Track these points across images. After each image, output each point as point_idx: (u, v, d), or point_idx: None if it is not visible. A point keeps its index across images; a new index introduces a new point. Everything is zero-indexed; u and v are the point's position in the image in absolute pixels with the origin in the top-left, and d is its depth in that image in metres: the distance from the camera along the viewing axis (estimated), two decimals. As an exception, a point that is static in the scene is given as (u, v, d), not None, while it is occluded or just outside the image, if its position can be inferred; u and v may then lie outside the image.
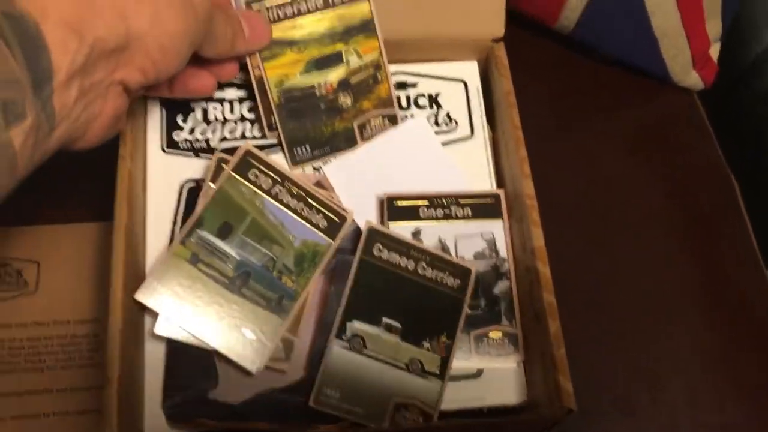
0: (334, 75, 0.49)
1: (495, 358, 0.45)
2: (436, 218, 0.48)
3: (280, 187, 0.46)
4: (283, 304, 0.44)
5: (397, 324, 0.44)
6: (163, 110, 0.50)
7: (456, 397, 0.44)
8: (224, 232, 0.45)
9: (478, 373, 0.45)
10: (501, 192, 0.49)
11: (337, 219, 0.47)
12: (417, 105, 0.52)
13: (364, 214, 0.48)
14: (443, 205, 0.49)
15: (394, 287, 0.45)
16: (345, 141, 0.50)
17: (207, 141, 0.50)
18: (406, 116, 0.52)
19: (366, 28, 0.50)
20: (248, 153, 0.46)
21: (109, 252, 0.43)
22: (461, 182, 0.50)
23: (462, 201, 0.49)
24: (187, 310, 0.43)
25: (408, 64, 0.53)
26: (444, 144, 0.51)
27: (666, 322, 0.59)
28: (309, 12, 0.49)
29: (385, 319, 0.44)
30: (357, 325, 0.44)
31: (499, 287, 0.47)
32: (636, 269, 0.61)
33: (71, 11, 0.34)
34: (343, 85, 0.50)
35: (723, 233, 0.64)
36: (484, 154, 0.51)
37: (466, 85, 0.53)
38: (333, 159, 0.50)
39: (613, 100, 0.68)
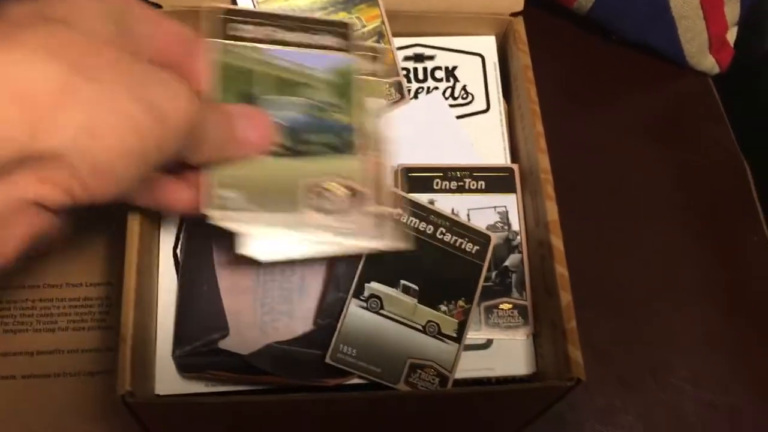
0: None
1: (504, 330, 0.46)
2: (450, 190, 0.48)
3: (272, 28, 0.40)
4: (346, 141, 0.40)
5: (414, 286, 0.44)
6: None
7: (465, 366, 0.44)
8: (249, 104, 0.39)
9: (488, 344, 0.45)
10: (515, 166, 0.49)
11: (341, 29, 0.42)
12: (434, 77, 0.52)
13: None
14: (457, 178, 0.49)
15: (413, 251, 0.45)
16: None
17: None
18: (422, 88, 0.52)
19: (367, -5, 0.50)
20: (211, 11, 0.40)
21: (121, 215, 0.43)
22: (476, 156, 0.50)
23: (476, 174, 0.49)
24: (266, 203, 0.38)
25: (426, 37, 0.53)
26: (459, 117, 0.51)
27: (674, 305, 0.59)
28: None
29: (403, 282, 0.44)
30: (375, 286, 0.44)
31: (511, 260, 0.47)
32: (646, 251, 0.61)
33: None
34: None
35: (734, 218, 0.64)
36: (499, 128, 0.51)
37: (483, 59, 0.53)
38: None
39: (628, 82, 0.68)
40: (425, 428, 0.47)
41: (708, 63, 0.66)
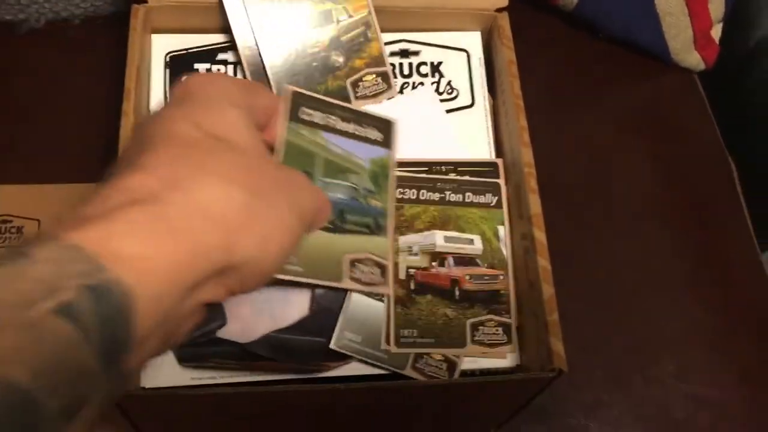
0: (324, 33, 0.50)
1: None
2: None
3: (332, 116, 0.46)
4: (380, 224, 0.45)
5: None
6: (168, 70, 0.50)
7: (449, 358, 0.45)
8: None
9: (472, 336, 0.46)
10: (499, 161, 0.50)
11: (385, 126, 0.48)
12: (419, 73, 0.53)
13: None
14: (442, 172, 0.49)
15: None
16: (339, 100, 0.50)
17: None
18: (407, 83, 0.52)
19: (355, -15, 0.51)
20: (295, 95, 0.44)
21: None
22: (461, 152, 0.51)
23: (460, 168, 0.49)
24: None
25: (411, 32, 0.53)
26: (445, 112, 0.52)
27: (659, 300, 0.60)
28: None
29: None
30: None
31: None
32: (631, 246, 0.61)
33: (172, 258, 0.28)
34: (334, 43, 0.50)
35: (718, 214, 0.65)
36: (484, 123, 0.52)
37: (468, 54, 0.53)
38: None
39: (614, 78, 0.69)
40: (408, 419, 0.48)
41: (693, 59, 0.67)
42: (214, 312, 0.44)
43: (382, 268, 0.45)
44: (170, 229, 0.29)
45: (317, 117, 0.45)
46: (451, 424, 0.50)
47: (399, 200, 0.47)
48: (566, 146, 0.63)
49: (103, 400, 0.27)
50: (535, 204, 0.45)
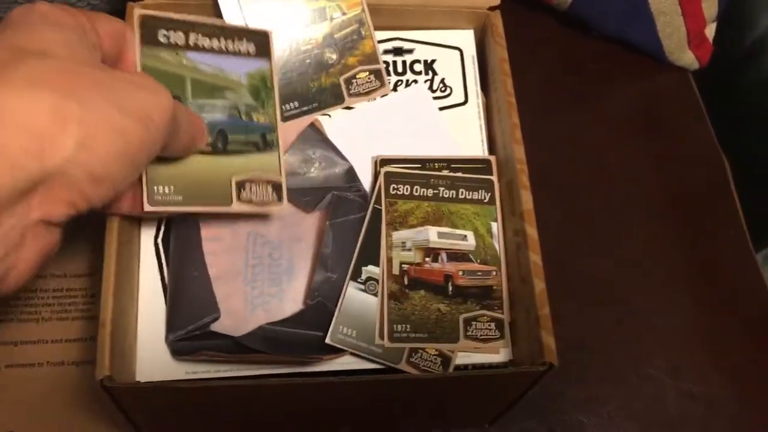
0: (318, 30, 0.50)
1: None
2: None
3: (195, 35, 0.43)
4: (267, 140, 0.45)
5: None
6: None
7: (441, 353, 0.45)
8: None
9: (463, 331, 0.46)
10: (492, 158, 0.50)
11: (261, 37, 0.46)
12: (413, 71, 0.53)
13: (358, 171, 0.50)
14: (435, 169, 0.49)
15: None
16: (332, 97, 0.51)
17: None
18: (401, 81, 0.53)
19: (349, -17, 0.51)
20: (145, 17, 0.42)
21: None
22: (455, 149, 0.51)
23: (454, 165, 0.50)
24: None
25: (405, 31, 0.54)
26: (438, 110, 0.52)
27: (653, 297, 0.60)
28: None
29: None
30: (371, 269, 0.46)
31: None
32: (625, 245, 0.62)
33: None
34: (328, 40, 0.51)
35: (712, 213, 0.65)
36: (477, 121, 0.52)
37: (461, 52, 0.54)
38: (329, 117, 0.51)
39: (607, 77, 0.69)
40: (400, 413, 0.48)
41: (687, 58, 0.67)
42: (208, 306, 0.45)
43: (275, 185, 0.43)
44: None
45: (177, 38, 0.42)
46: (444, 419, 0.51)
47: (392, 196, 0.48)
48: (560, 145, 0.64)
49: None
50: (527, 200, 0.46)
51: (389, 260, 0.46)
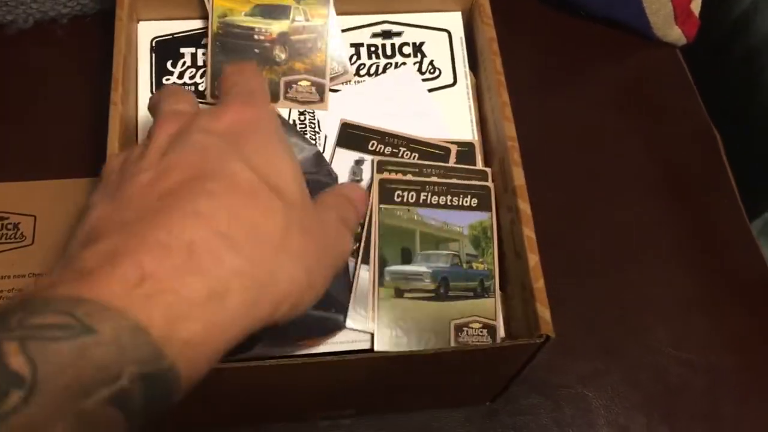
0: (276, 26, 0.51)
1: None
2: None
3: (424, 193, 0.48)
4: (485, 286, 0.47)
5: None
6: (153, 55, 0.51)
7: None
8: (407, 257, 0.47)
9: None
10: (476, 141, 0.51)
11: (483, 192, 0.49)
12: (401, 53, 0.53)
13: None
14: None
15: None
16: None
17: (195, 85, 0.51)
18: (390, 64, 0.53)
19: (320, -5, 0.51)
20: (385, 182, 0.48)
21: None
22: (444, 130, 0.52)
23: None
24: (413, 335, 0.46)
25: (393, 14, 0.54)
26: (427, 91, 0.52)
27: (650, 270, 0.60)
28: (271, -35, 0.50)
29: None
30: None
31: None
32: (620, 220, 0.62)
33: (228, 336, 0.29)
34: (282, 38, 0.51)
35: (707, 185, 0.65)
36: (466, 102, 0.53)
37: (450, 34, 0.54)
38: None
39: (595, 55, 0.69)
40: (399, 391, 0.48)
41: (674, 34, 0.67)
42: None
43: (490, 329, 0.46)
44: (231, 314, 0.28)
45: (409, 197, 0.48)
46: (444, 396, 0.51)
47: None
48: (551, 125, 0.64)
49: None
50: (518, 176, 0.46)
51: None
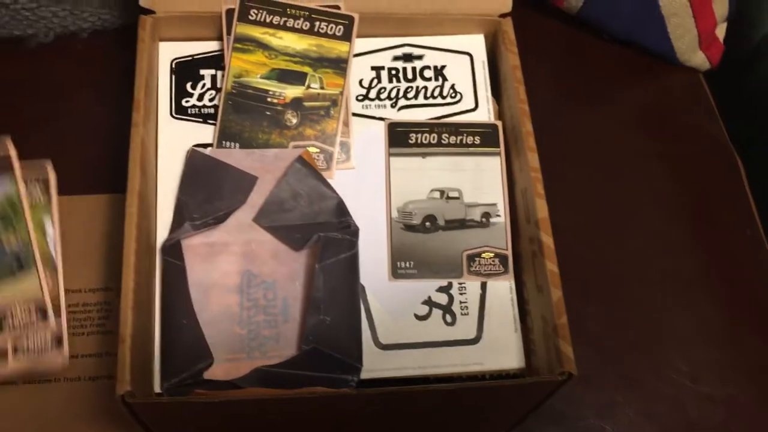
0: (290, 91, 0.51)
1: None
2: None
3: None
4: (22, 260, 0.46)
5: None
6: (173, 76, 0.51)
7: (453, 361, 0.45)
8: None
9: (477, 339, 0.46)
10: (499, 123, 0.51)
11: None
12: (422, 77, 0.53)
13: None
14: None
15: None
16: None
17: (215, 108, 0.51)
18: (411, 88, 0.53)
19: (338, 65, 0.51)
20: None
21: (120, 222, 0.44)
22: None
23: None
24: None
25: (415, 37, 0.54)
26: (448, 116, 0.52)
27: (669, 299, 0.60)
28: (293, 30, 0.51)
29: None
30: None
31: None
32: (640, 247, 0.61)
33: None
34: (295, 104, 0.51)
35: (727, 212, 0.65)
36: (488, 127, 0.52)
37: (471, 58, 0.54)
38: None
39: (619, 80, 0.69)
40: (417, 423, 0.48)
41: (699, 59, 0.67)
42: (200, 352, 0.44)
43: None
44: None
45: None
46: (462, 428, 0.50)
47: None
48: (573, 147, 0.63)
49: None
50: (542, 208, 0.46)
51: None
